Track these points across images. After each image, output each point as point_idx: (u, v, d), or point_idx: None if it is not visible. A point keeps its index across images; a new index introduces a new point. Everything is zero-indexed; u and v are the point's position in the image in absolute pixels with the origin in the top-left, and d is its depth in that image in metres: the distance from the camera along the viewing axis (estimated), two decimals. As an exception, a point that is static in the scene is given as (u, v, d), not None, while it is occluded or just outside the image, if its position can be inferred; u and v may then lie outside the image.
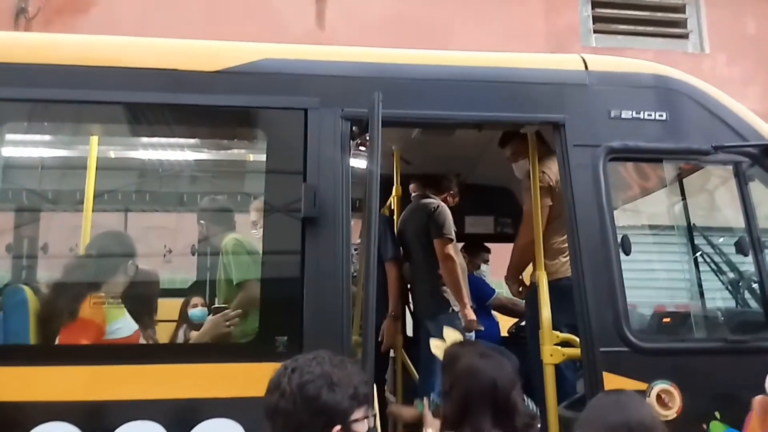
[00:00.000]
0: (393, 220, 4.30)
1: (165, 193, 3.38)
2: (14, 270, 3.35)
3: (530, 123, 2.83)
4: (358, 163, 3.47)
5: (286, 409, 1.60)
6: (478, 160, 4.46)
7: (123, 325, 2.70)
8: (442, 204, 4.06)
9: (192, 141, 3.11)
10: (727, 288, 2.92)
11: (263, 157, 2.59)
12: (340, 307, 2.41)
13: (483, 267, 5.35)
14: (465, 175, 4.80)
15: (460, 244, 4.88)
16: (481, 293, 4.69)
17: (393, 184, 4.37)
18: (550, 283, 2.90)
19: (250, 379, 2.31)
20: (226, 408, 2.27)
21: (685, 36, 8.37)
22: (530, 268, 3.53)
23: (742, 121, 2.85)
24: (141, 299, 2.94)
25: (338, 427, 1.62)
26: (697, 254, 3.12)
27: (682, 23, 8.40)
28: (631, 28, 8.20)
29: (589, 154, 2.71)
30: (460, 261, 3.98)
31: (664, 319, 2.91)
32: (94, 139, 3.13)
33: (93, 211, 3.12)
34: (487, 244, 5.30)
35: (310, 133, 2.59)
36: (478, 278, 4.96)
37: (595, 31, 8.12)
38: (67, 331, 2.58)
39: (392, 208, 4.42)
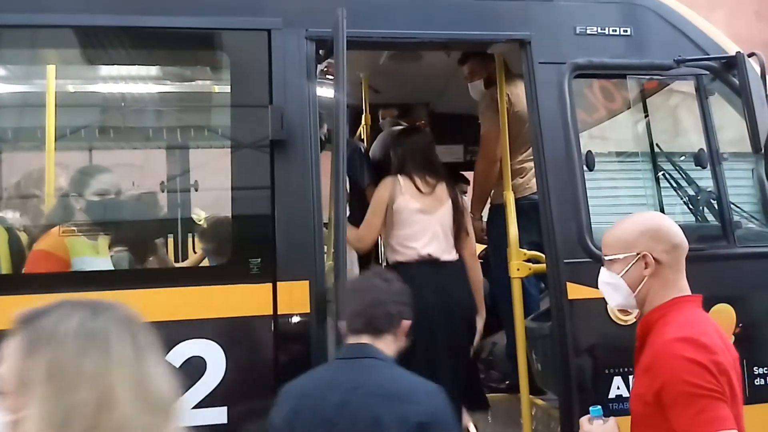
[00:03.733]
0: (364, 147, 4.28)
1: (127, 127, 3.29)
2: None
3: (496, 41, 2.81)
4: (326, 92, 3.45)
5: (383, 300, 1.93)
6: (445, 88, 4.43)
7: (90, 263, 2.68)
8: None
9: (150, 67, 3.02)
10: (686, 202, 3.02)
11: (227, 82, 2.54)
12: (312, 228, 2.43)
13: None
14: (434, 104, 4.79)
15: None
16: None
17: (362, 113, 4.34)
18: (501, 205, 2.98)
19: (226, 300, 2.37)
20: (203, 329, 2.32)
21: (653, -41, 8.27)
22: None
23: (706, 36, 2.89)
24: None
25: (409, 322, 1.97)
26: (659, 172, 3.20)
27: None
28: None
29: (554, 71, 2.72)
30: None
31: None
32: (51, 68, 3.02)
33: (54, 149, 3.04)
34: (465, 174, 5.34)
35: (274, 55, 2.54)
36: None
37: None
38: (31, 264, 2.57)
39: (362, 137, 4.40)
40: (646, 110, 3.27)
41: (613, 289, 1.86)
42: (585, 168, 2.72)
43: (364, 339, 1.89)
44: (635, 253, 1.77)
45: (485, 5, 2.78)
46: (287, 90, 2.52)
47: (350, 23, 2.48)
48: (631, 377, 2.51)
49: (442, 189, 3.07)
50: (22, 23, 2.43)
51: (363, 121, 4.35)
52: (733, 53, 2.69)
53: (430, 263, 2.88)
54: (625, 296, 1.83)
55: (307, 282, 2.39)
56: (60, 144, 2.85)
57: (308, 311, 2.38)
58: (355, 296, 1.99)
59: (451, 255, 2.99)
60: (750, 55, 2.64)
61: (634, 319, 2.52)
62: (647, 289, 1.78)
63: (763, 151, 2.59)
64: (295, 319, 2.38)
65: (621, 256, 1.80)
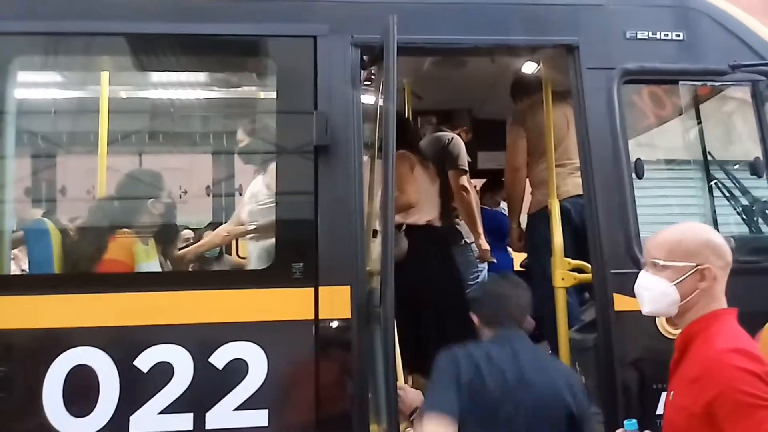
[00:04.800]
0: None
1: (175, 132, 3.36)
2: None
3: (543, 46, 2.77)
4: (367, 99, 3.48)
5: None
6: (488, 95, 4.40)
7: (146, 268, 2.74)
8: (456, 136, 4.04)
9: (198, 74, 3.08)
10: (740, 213, 2.91)
11: (273, 88, 2.57)
12: (354, 233, 2.44)
13: (503, 204, 5.37)
14: (476, 110, 4.75)
15: (479, 181, 4.91)
16: (499, 228, 4.72)
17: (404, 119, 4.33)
18: (536, 212, 2.93)
19: (269, 303, 2.39)
20: (245, 331, 2.34)
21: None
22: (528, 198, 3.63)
23: (762, 40, 2.78)
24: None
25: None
26: (712, 181, 3.09)
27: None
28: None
29: (603, 76, 2.66)
30: (473, 194, 4.00)
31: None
32: (105, 75, 3.12)
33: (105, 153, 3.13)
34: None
35: (319, 61, 2.56)
36: (497, 212, 5.00)
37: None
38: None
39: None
40: (699, 117, 3.17)
41: (658, 295, 1.81)
42: (634, 176, 2.65)
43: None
44: (695, 264, 1.73)
45: (532, 10, 2.74)
46: (332, 96, 2.53)
47: (398, 30, 2.49)
48: (680, 393, 2.43)
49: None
50: (77, 30, 2.51)
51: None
52: (792, 58, 2.58)
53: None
54: (669, 305, 1.79)
55: (348, 287, 2.39)
56: (113, 148, 2.92)
57: (349, 316, 2.38)
58: (502, 299, 2.30)
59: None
60: (810, 61, 2.53)
61: (685, 332, 2.44)
62: (696, 302, 1.75)
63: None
64: (336, 324, 2.38)
65: (679, 264, 1.75)
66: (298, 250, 2.43)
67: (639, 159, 2.67)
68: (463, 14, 2.69)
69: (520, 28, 2.70)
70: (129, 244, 2.66)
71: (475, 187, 4.49)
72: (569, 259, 2.86)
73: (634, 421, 1.79)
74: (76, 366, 2.26)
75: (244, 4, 2.62)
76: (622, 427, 1.84)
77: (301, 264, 2.41)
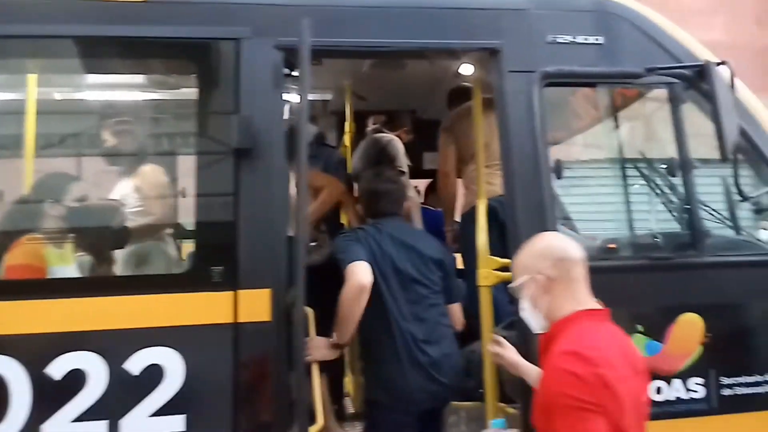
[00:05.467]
0: (346, 159, 4.29)
1: (93, 134, 3.29)
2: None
3: (467, 50, 2.80)
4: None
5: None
6: (431, 95, 4.43)
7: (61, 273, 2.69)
8: (394, 138, 4.07)
9: (118, 76, 3.03)
10: (657, 210, 3.00)
11: (195, 91, 2.55)
12: (276, 236, 2.44)
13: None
14: (421, 111, 4.79)
15: (425, 181, 4.94)
16: (442, 229, 4.75)
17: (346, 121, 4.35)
18: (467, 213, 2.98)
19: (186, 308, 2.37)
20: (162, 337, 2.32)
21: (652, -34, 8.23)
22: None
23: (679, 44, 2.86)
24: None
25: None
26: (628, 180, 3.18)
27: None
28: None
29: (524, 79, 2.71)
30: (412, 194, 4.03)
31: (592, 241, 2.99)
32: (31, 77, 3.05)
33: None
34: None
35: (243, 64, 2.55)
36: (440, 213, 5.03)
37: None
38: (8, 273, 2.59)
39: (346, 144, 4.41)
40: (621, 119, 3.25)
41: (528, 315, 1.94)
42: (554, 176, 2.71)
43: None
44: (528, 276, 1.88)
45: (457, 14, 2.77)
46: (255, 99, 2.53)
47: (319, 33, 2.50)
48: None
49: None
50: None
51: (346, 129, 4.36)
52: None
53: None
54: (536, 318, 1.91)
55: (269, 290, 2.39)
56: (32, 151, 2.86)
57: (269, 319, 2.37)
58: (381, 195, 3.02)
59: None
60: (720, 64, 2.61)
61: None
62: (546, 306, 1.85)
63: (731, 159, 2.55)
64: (255, 328, 2.37)
65: (520, 281, 1.91)
66: (218, 254, 2.42)
67: (559, 160, 2.73)
68: (387, 18, 2.71)
69: (445, 31, 2.74)
70: (38, 248, 2.59)
71: (416, 187, 4.52)
72: (496, 258, 2.90)
73: (502, 420, 1.85)
74: (-14, 375, 2.21)
75: (166, 6, 2.60)
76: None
77: (221, 267, 2.39)
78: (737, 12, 8.07)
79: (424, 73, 4.01)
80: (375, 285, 2.62)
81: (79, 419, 2.24)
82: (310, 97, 4.44)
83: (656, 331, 2.57)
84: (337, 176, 3.81)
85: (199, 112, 2.57)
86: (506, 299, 3.31)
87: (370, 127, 4.36)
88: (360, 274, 2.57)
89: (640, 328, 2.57)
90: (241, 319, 2.37)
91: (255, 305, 2.38)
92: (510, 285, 1.95)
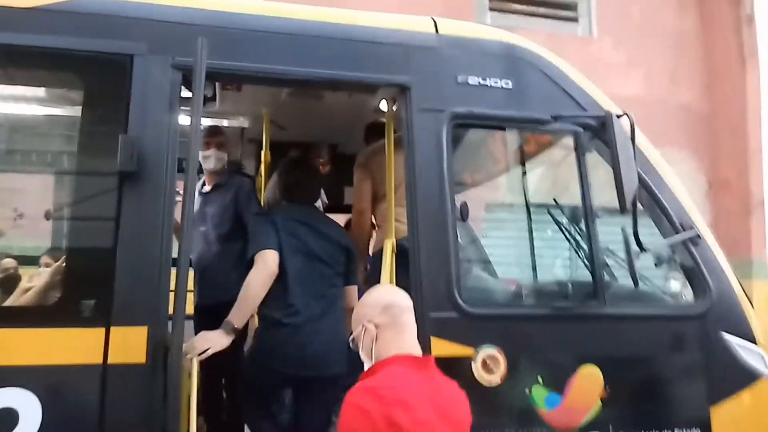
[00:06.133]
0: (257, 189, 4.14)
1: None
2: None
3: (374, 84, 2.74)
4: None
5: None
6: (353, 129, 4.36)
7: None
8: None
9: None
10: (560, 259, 3.00)
11: (79, 108, 2.36)
12: (157, 270, 2.25)
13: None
14: (342, 145, 4.72)
15: (344, 216, 4.82)
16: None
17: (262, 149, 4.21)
18: (377, 252, 2.90)
19: (50, 345, 2.13)
20: (19, 376, 2.07)
21: (575, 20, 8.61)
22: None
23: (585, 93, 2.90)
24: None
25: None
26: (537, 225, 3.19)
27: (573, 7, 8.64)
28: (526, 8, 8.34)
29: (433, 118, 2.67)
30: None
31: (493, 287, 2.96)
32: None
33: None
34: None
35: (135, 82, 2.38)
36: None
37: (491, 9, 8.19)
38: None
39: (261, 174, 4.26)
40: (532, 164, 3.27)
41: (365, 364, 1.92)
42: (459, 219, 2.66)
43: None
44: (360, 327, 1.93)
45: (368, 47, 2.72)
46: (146, 120, 2.36)
47: (219, 55, 2.39)
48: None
49: None
50: None
51: (262, 158, 4.21)
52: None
53: None
54: (367, 364, 1.91)
55: (145, 328, 2.19)
56: None
57: (143, 361, 2.17)
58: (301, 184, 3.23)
59: None
60: (620, 116, 2.66)
61: (499, 381, 2.44)
62: (375, 354, 1.89)
63: (630, 210, 2.58)
64: (128, 370, 2.16)
65: (354, 333, 1.96)
66: (91, 287, 2.21)
67: (465, 203, 2.68)
68: (295, 45, 2.62)
69: (352, 64, 2.67)
70: None
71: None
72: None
73: None
74: None
75: (56, 15, 2.41)
76: None
77: (93, 302, 2.18)
78: (653, 68, 8.51)
79: (344, 106, 3.94)
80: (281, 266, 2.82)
81: None
82: (226, 123, 4.32)
83: (556, 383, 2.52)
84: (248, 206, 3.66)
85: (84, 130, 2.36)
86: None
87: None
88: (271, 261, 2.78)
89: (539, 379, 2.51)
90: (112, 360, 2.14)
91: (128, 344, 2.16)
92: (350, 338, 1.98)
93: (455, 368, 2.43)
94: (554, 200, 3.46)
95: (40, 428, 2.06)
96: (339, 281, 3.06)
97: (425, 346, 2.43)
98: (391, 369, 1.77)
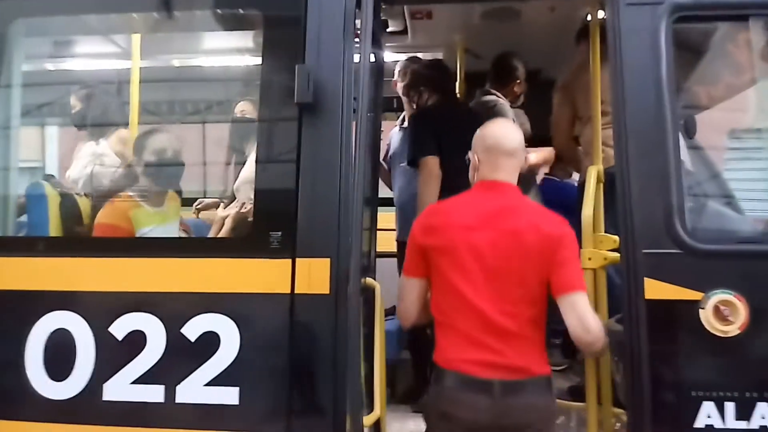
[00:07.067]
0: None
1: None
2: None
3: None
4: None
5: None
6: (558, 51, 3.90)
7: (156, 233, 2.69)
8: (500, 101, 3.63)
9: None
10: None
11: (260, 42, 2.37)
12: (336, 201, 2.19)
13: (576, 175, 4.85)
14: (547, 70, 4.27)
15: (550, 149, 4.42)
16: (566, 201, 4.24)
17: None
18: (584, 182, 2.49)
19: (244, 274, 2.22)
20: (219, 303, 2.20)
21: None
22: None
23: None
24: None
25: None
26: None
27: None
28: None
29: (648, 14, 2.17)
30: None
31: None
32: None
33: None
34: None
35: (310, 10, 2.31)
36: (567, 184, 4.50)
37: None
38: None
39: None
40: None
41: None
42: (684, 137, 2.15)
43: None
44: (470, 153, 2.16)
45: None
46: (321, 49, 2.28)
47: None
48: (727, 403, 1.97)
49: None
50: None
51: (456, 90, 3.97)
52: None
53: None
54: None
55: (328, 260, 2.16)
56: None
57: (328, 292, 2.14)
58: None
59: None
60: None
61: (737, 330, 1.97)
62: (473, 181, 2.17)
63: None
64: (313, 299, 2.16)
65: (468, 156, 2.18)
66: (277, 219, 2.23)
67: (691, 117, 2.17)
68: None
69: None
70: (125, 208, 2.60)
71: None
72: (610, 236, 2.41)
73: None
74: (56, 330, 2.24)
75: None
76: None
77: (279, 233, 2.21)
78: None
79: (545, 23, 3.53)
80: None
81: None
82: (421, 55, 4.15)
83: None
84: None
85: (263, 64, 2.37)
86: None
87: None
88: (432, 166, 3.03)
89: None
90: (299, 290, 2.16)
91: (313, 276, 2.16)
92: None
93: (678, 314, 2.03)
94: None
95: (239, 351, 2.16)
96: None
97: (638, 289, 2.05)
98: (467, 192, 2.14)
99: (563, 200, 4.02)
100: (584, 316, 1.87)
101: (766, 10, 2.17)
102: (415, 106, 3.63)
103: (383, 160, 4.18)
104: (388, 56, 3.88)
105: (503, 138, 2.11)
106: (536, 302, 1.95)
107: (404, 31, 3.75)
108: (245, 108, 3.01)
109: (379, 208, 3.19)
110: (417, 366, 3.50)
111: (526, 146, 3.73)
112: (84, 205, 2.76)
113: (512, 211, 2.02)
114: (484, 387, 1.88)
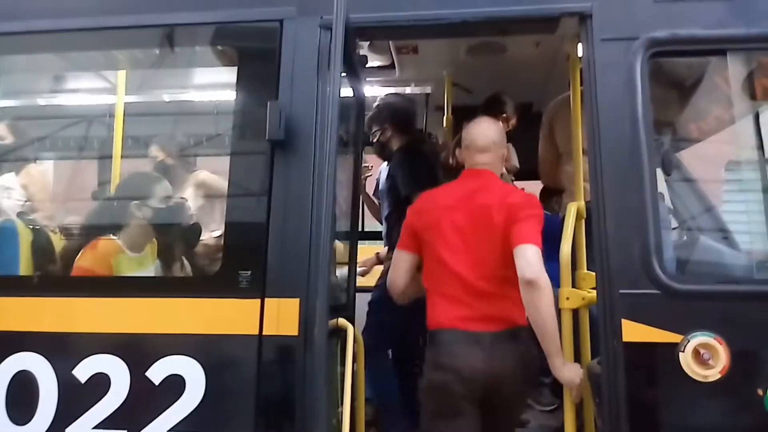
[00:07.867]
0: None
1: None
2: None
3: (545, 17, 2.28)
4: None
5: None
6: (547, 84, 3.89)
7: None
8: None
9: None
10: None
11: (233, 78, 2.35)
12: (307, 240, 2.14)
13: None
14: (538, 103, 4.24)
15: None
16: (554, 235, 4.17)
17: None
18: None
19: (211, 315, 2.17)
20: (185, 345, 2.14)
21: None
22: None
23: None
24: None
25: None
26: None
27: None
28: None
29: (622, 49, 2.14)
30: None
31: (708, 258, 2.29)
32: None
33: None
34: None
35: (284, 46, 2.30)
36: (556, 218, 4.43)
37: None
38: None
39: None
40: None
41: None
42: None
43: None
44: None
45: None
46: (295, 85, 2.26)
47: (370, 7, 2.19)
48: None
49: None
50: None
51: (444, 124, 3.96)
52: None
53: None
54: None
55: (297, 300, 2.10)
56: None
57: (296, 333, 2.08)
58: None
59: None
60: None
61: (718, 375, 1.89)
62: None
63: None
64: (281, 341, 2.09)
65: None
66: (246, 258, 2.18)
67: (668, 151, 2.12)
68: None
69: None
70: (107, 253, 2.54)
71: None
72: (592, 273, 2.34)
73: None
74: (19, 372, 2.19)
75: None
76: None
77: (249, 272, 2.16)
78: None
79: (532, 57, 3.52)
80: None
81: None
82: (409, 90, 4.14)
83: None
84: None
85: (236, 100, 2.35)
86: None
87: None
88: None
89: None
90: (267, 332, 2.10)
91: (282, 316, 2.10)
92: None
93: (656, 357, 1.95)
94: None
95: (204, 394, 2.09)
96: None
97: (615, 331, 1.98)
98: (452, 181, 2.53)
99: (555, 233, 3.97)
100: (530, 259, 2.14)
101: (742, 44, 2.14)
102: (375, 141, 3.59)
103: (373, 194, 4.15)
104: (377, 91, 3.89)
105: (477, 136, 2.48)
106: (509, 265, 2.19)
107: (392, 66, 3.75)
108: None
109: (368, 241, 3.14)
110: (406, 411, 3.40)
111: (514, 180, 3.75)
112: (56, 243, 2.72)
113: (485, 189, 2.37)
114: (475, 338, 2.20)
